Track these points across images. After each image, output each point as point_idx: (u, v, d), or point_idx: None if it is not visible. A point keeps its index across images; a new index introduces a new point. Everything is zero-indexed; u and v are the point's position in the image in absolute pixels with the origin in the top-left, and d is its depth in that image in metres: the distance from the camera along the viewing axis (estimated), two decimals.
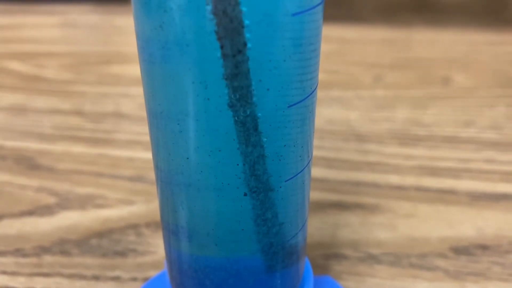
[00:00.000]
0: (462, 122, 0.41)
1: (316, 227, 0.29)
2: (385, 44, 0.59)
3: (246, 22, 0.13)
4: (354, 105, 0.45)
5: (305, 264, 0.21)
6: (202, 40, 0.13)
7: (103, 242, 0.28)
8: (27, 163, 0.36)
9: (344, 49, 0.57)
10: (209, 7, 0.13)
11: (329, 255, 0.27)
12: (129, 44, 0.58)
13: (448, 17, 0.66)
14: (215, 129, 0.14)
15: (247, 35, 0.13)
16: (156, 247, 0.28)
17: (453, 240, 0.28)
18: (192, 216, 0.16)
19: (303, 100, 0.15)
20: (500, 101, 0.45)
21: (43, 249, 0.28)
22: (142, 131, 0.40)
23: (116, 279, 0.26)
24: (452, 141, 0.38)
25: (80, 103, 0.45)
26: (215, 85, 0.14)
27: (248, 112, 0.14)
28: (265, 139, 0.15)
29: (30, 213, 0.31)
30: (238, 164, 0.15)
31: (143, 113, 0.42)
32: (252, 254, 0.17)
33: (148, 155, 0.36)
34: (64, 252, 0.28)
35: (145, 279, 0.26)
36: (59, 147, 0.38)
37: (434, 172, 0.35)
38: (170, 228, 0.17)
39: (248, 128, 0.14)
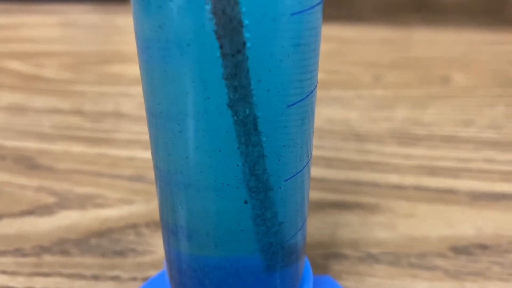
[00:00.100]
0: (462, 121, 0.41)
1: (315, 226, 0.29)
2: (385, 43, 0.59)
3: (246, 21, 0.13)
4: (354, 105, 0.45)
5: (305, 263, 0.21)
6: (201, 39, 0.13)
7: (103, 242, 0.28)
8: (27, 163, 0.36)
9: (344, 48, 0.57)
10: (208, 7, 0.13)
11: (329, 254, 0.27)
12: (129, 43, 0.58)
13: (447, 17, 0.66)
14: (215, 129, 0.14)
15: (247, 34, 0.13)
16: (156, 247, 0.28)
17: (453, 240, 0.28)
18: (191, 216, 0.16)
19: (302, 100, 0.15)
20: (499, 101, 0.45)
21: (42, 249, 0.28)
22: (142, 131, 0.40)
23: (115, 278, 0.26)
24: (451, 140, 0.39)
25: (80, 102, 0.45)
26: (214, 84, 0.14)
27: (247, 112, 0.14)
28: (265, 139, 0.15)
29: (29, 212, 0.31)
30: (238, 165, 0.15)
31: (143, 113, 0.42)
32: (252, 253, 0.17)
33: (147, 154, 0.36)
34: (64, 252, 0.28)
35: (145, 279, 0.26)
36: (58, 146, 0.38)
37: (433, 171, 0.35)
38: (169, 227, 0.17)
39: (247, 128, 0.14)
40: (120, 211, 0.31)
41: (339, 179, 0.34)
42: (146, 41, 0.14)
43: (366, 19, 0.67)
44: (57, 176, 0.34)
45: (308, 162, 0.17)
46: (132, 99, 0.46)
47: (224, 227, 0.16)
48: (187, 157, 0.15)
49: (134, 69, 0.51)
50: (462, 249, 0.28)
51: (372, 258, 0.27)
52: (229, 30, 0.13)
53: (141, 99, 0.43)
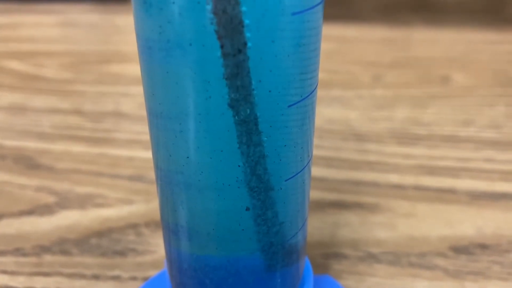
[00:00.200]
0: (462, 121, 0.41)
1: (315, 226, 0.29)
2: (385, 43, 0.59)
3: (246, 21, 0.13)
4: (354, 105, 0.45)
5: (305, 263, 0.21)
6: (202, 39, 0.13)
7: (103, 242, 0.28)
8: (27, 163, 0.36)
9: (344, 48, 0.57)
10: (209, 7, 0.13)
11: (329, 254, 0.27)
12: (129, 43, 0.58)
13: (447, 16, 0.66)
14: (216, 129, 0.14)
15: (247, 34, 0.13)
16: (156, 247, 0.28)
17: (453, 239, 0.28)
18: (192, 215, 0.16)
19: (303, 100, 0.15)
20: (499, 100, 0.45)
21: (42, 249, 0.28)
22: (142, 131, 0.40)
23: (116, 278, 0.26)
24: (451, 140, 0.39)
25: (80, 102, 0.45)
26: (215, 84, 0.14)
27: (248, 112, 0.14)
28: (266, 139, 0.15)
29: (29, 212, 0.31)
30: (239, 165, 0.15)
31: (143, 112, 0.42)
32: (252, 253, 0.17)
33: (147, 154, 0.36)
34: (64, 252, 0.28)
35: (145, 279, 0.26)
36: (58, 146, 0.38)
37: (433, 171, 0.35)
38: (170, 227, 0.17)
39: (248, 128, 0.14)
40: (120, 211, 0.31)
41: (339, 179, 0.34)
42: (147, 41, 0.14)
43: (366, 18, 0.67)
44: (57, 176, 0.34)
45: (308, 162, 0.17)
46: (132, 99, 0.46)
47: (225, 227, 0.16)
48: (188, 157, 0.15)
49: (134, 69, 0.51)
50: (462, 249, 0.28)
51: (372, 258, 0.27)
52: (230, 30, 0.13)
53: (141, 99, 0.43)
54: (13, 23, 0.66)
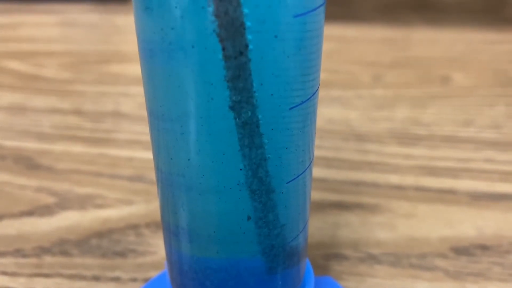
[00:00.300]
0: (462, 121, 0.41)
1: (316, 227, 0.29)
2: (385, 43, 0.59)
3: (248, 23, 0.13)
4: (354, 105, 0.45)
5: (306, 265, 0.21)
6: (203, 41, 0.13)
7: (103, 243, 0.28)
8: (26, 163, 0.36)
9: (344, 48, 0.57)
10: (210, 9, 0.12)
11: (329, 255, 0.27)
12: (129, 43, 0.58)
13: (447, 16, 0.66)
14: (217, 131, 0.14)
15: (249, 36, 0.13)
16: (156, 248, 0.28)
17: (453, 240, 0.28)
18: (193, 218, 0.16)
19: (304, 102, 0.15)
20: (499, 100, 0.45)
21: (43, 250, 0.28)
22: (142, 131, 0.40)
23: (116, 279, 0.26)
24: (451, 140, 0.38)
25: (80, 102, 0.45)
26: (217, 87, 0.13)
27: (250, 114, 0.14)
28: (267, 141, 0.15)
29: (29, 213, 0.31)
30: (240, 168, 0.15)
31: (143, 113, 0.42)
32: (253, 255, 0.17)
33: (147, 155, 0.36)
34: (64, 253, 0.28)
35: (145, 280, 0.26)
36: (58, 146, 0.38)
37: (433, 171, 0.35)
38: (170, 229, 0.17)
39: (250, 130, 0.14)
40: (120, 212, 0.31)
41: (339, 179, 0.34)
42: (148, 43, 0.14)
43: (366, 18, 0.67)
44: (57, 176, 0.34)
45: (310, 164, 0.17)
46: (132, 99, 0.46)
47: (226, 230, 0.16)
48: (189, 160, 0.15)
49: (134, 69, 0.51)
50: (462, 250, 0.28)
51: (372, 259, 0.27)
52: (232, 32, 0.13)
53: (141, 99, 0.43)
54: (13, 23, 0.66)
